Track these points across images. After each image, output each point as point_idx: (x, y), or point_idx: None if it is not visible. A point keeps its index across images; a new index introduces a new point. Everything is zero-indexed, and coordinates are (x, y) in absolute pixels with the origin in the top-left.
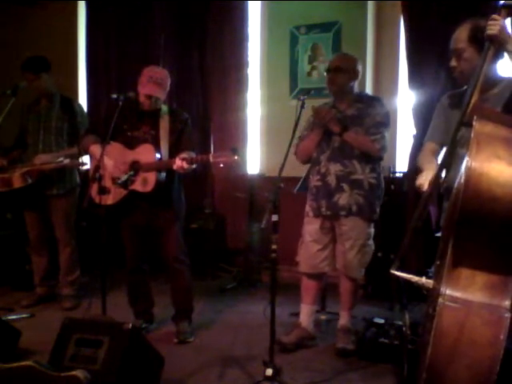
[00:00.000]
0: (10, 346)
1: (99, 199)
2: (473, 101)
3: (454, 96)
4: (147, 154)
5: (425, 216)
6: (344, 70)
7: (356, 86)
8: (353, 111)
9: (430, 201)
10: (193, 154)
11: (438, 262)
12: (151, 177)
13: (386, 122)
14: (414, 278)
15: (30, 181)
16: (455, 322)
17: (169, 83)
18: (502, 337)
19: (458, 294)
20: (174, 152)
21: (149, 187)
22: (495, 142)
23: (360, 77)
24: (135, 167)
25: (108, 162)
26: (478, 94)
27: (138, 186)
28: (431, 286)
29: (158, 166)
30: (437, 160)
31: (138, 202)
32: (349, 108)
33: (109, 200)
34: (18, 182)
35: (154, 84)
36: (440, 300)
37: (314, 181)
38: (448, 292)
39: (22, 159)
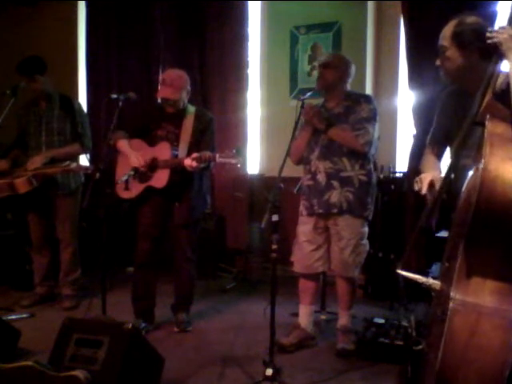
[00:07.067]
0: (9, 345)
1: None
2: (486, 100)
3: (453, 92)
4: (164, 151)
5: (434, 216)
6: (332, 65)
7: (347, 86)
8: (340, 109)
9: (440, 201)
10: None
11: (447, 265)
12: (164, 173)
13: (371, 117)
14: (421, 279)
15: (35, 184)
16: (466, 327)
17: (183, 82)
18: None
19: (468, 299)
20: (193, 151)
21: (162, 183)
22: (508, 143)
23: (351, 78)
24: (154, 164)
25: (131, 157)
26: (491, 93)
27: (153, 182)
28: (438, 288)
29: (171, 163)
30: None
31: (155, 197)
32: (337, 106)
33: (127, 194)
34: (23, 187)
35: (165, 86)
36: (451, 304)
37: (306, 180)
38: (458, 297)
39: (22, 159)
